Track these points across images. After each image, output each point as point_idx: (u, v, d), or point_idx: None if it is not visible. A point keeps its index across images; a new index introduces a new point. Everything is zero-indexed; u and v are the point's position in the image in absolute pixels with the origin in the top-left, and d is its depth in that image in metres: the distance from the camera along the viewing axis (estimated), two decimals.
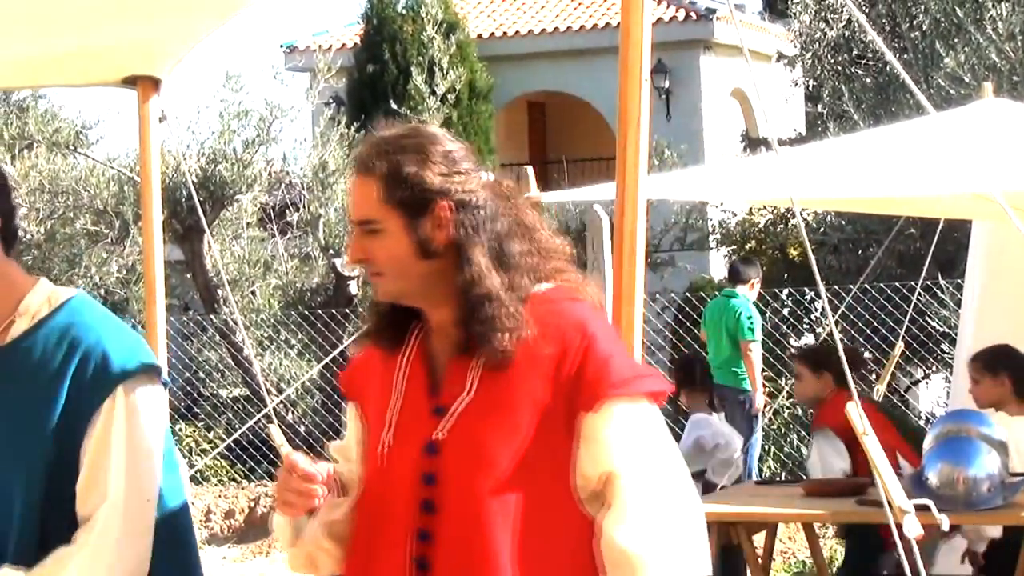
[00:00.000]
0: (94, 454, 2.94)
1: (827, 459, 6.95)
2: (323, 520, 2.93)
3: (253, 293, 14.62)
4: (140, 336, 3.16)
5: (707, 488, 7.56)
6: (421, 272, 2.84)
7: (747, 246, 17.03)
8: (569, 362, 2.80)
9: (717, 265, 19.60)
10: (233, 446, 13.16)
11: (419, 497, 2.85)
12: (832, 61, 15.10)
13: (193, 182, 12.89)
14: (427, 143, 2.86)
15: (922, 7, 13.80)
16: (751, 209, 17.18)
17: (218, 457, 13.62)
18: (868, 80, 14.55)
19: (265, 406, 11.01)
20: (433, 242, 2.83)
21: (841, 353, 4.22)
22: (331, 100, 18.42)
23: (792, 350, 12.66)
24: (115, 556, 2.92)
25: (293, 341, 14.41)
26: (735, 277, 11.78)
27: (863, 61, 14.79)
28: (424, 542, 2.84)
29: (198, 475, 13.33)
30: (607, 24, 23.14)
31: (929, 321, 12.39)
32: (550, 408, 2.80)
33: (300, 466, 2.82)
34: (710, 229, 17.62)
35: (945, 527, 4.07)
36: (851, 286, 9.86)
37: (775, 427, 13.09)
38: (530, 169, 7.03)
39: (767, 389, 12.01)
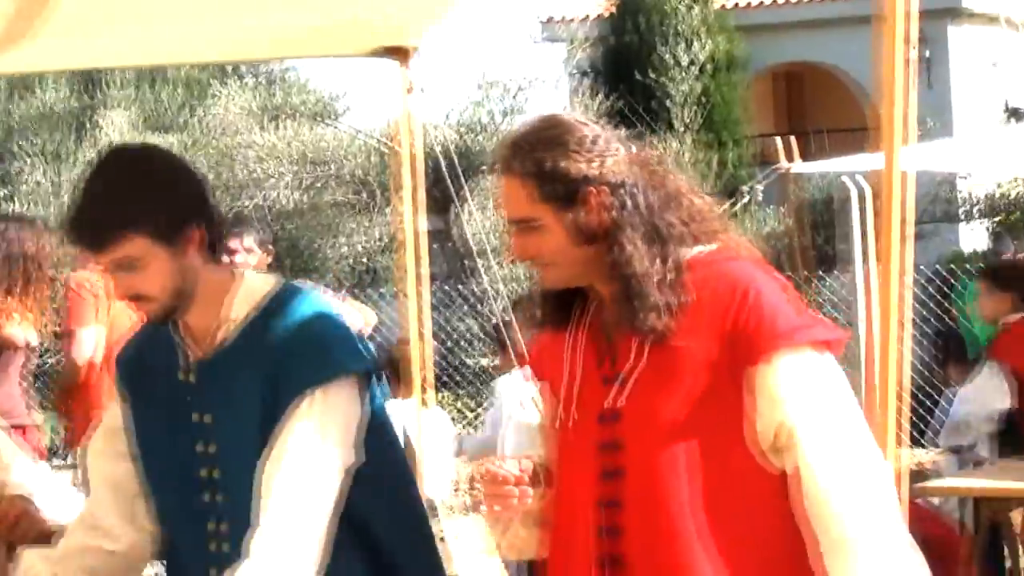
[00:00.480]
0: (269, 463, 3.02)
1: (986, 395, 6.62)
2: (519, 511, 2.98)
3: (503, 264, 14.66)
4: (338, 330, 3.15)
5: (976, 463, 7.31)
6: (582, 257, 2.88)
7: (1012, 216, 16.46)
8: (733, 319, 2.80)
9: (967, 238, 18.99)
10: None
11: (602, 466, 2.89)
12: None
13: (447, 152, 12.97)
14: (565, 133, 2.88)
15: None
16: (1000, 182, 16.61)
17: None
18: None
19: None
20: (589, 228, 2.86)
21: None
22: (585, 71, 18.35)
23: None
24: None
25: None
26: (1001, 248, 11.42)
27: None
28: (612, 509, 2.87)
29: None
30: None
31: None
32: (720, 366, 2.81)
33: (499, 474, 2.88)
34: (960, 201, 17.07)
35: None
36: None
37: None
38: (792, 140, 6.91)
39: None
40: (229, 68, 16.91)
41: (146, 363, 3.25)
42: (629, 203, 2.85)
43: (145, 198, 3.00)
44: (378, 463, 3.11)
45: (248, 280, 3.16)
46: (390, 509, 3.17)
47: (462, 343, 15.85)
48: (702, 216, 2.94)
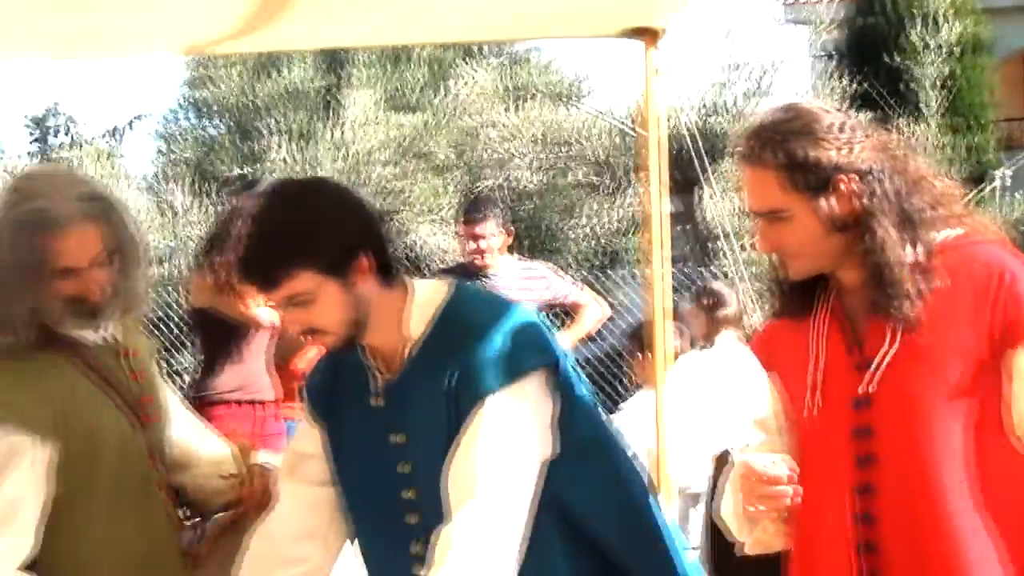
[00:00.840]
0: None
1: None
2: None
3: (743, 247, 14.51)
4: (515, 328, 3.07)
5: None
6: (833, 246, 2.87)
7: None
8: (992, 302, 2.79)
9: None
10: None
11: (855, 452, 2.88)
12: None
13: (691, 134, 12.88)
14: (812, 122, 2.86)
15: None
16: None
17: None
18: None
19: None
20: (840, 217, 2.84)
21: None
22: (830, 53, 18.06)
23: None
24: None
25: None
26: None
27: None
28: (866, 495, 2.87)
29: None
30: None
31: None
32: (974, 350, 2.80)
33: (760, 471, 2.86)
34: None
35: None
36: None
37: None
38: None
39: None
40: (475, 48, 17.01)
41: (336, 389, 3.25)
42: (878, 189, 2.83)
43: (311, 233, 2.99)
44: (582, 451, 3.06)
45: (419, 294, 3.13)
46: (604, 500, 3.09)
47: None
48: (947, 200, 2.93)
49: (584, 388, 3.14)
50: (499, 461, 2.96)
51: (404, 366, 3.10)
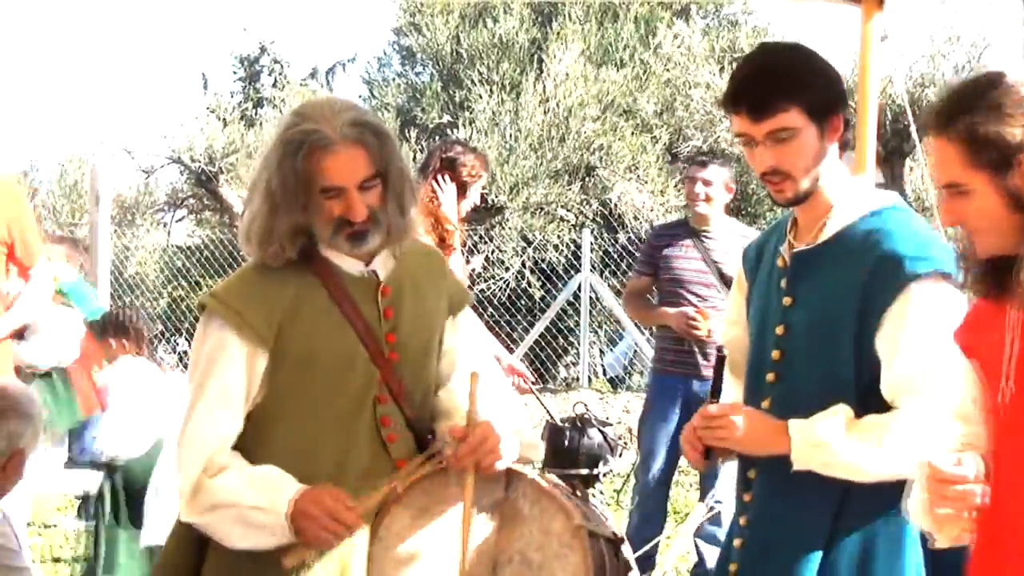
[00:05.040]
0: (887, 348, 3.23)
1: None
2: None
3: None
4: (935, 240, 3.32)
5: None
6: (1017, 225, 2.78)
7: None
8: None
9: None
10: None
11: None
12: None
13: (900, 105, 12.66)
14: (1004, 96, 2.77)
15: None
16: None
17: None
18: None
19: None
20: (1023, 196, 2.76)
21: None
22: None
23: None
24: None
25: None
26: None
27: None
28: None
29: None
30: None
31: None
32: None
33: (944, 472, 2.82)
34: None
35: None
36: None
37: None
38: None
39: None
40: (692, 7, 16.92)
41: (762, 248, 3.63)
42: None
43: (808, 77, 3.34)
44: None
45: (862, 190, 3.45)
46: None
47: None
48: None
49: None
50: (928, 346, 3.18)
51: (820, 241, 3.41)
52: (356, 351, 3.54)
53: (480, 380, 3.50)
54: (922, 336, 3.18)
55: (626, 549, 3.65)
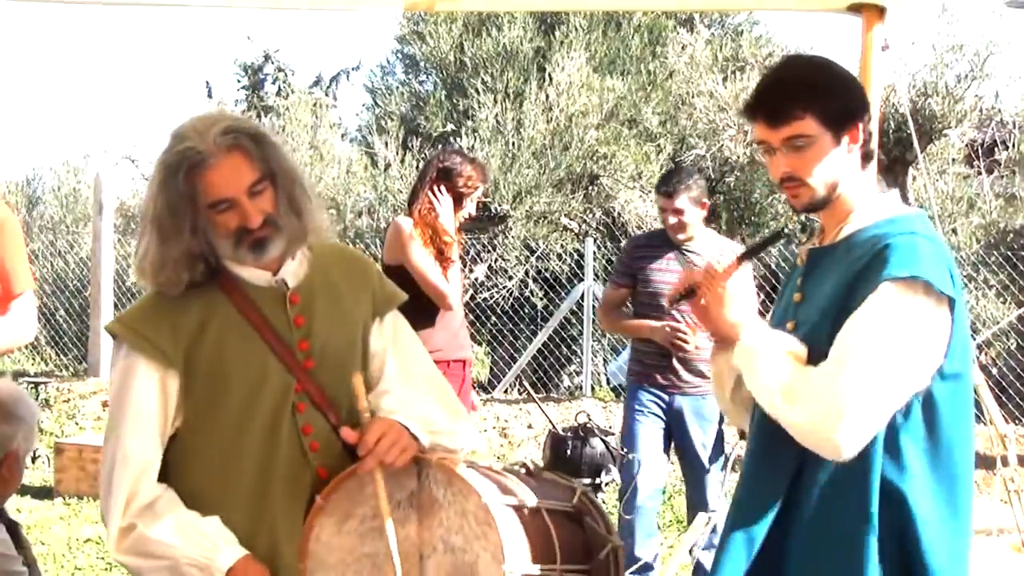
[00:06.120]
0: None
1: None
2: None
3: (954, 231, 14.26)
4: (936, 254, 3.31)
5: None
6: None
7: None
8: None
9: None
10: None
11: None
12: None
13: (904, 114, 12.68)
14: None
15: None
16: None
17: None
18: None
19: None
20: None
21: None
22: None
23: None
24: None
25: (992, 282, 13.95)
26: None
27: None
28: None
29: None
30: None
31: None
32: None
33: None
34: None
35: None
36: None
37: None
38: None
39: None
40: (696, 17, 16.91)
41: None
42: None
43: (824, 85, 3.43)
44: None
45: (885, 200, 3.51)
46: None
47: None
48: None
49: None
50: (880, 340, 3.19)
51: (834, 242, 3.50)
52: (268, 362, 3.55)
53: (362, 379, 3.54)
54: (872, 322, 3.21)
55: (594, 521, 3.70)
